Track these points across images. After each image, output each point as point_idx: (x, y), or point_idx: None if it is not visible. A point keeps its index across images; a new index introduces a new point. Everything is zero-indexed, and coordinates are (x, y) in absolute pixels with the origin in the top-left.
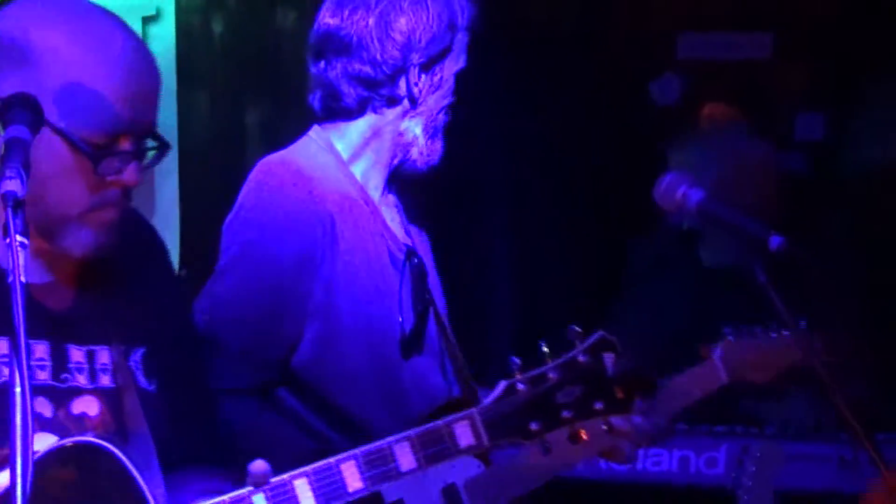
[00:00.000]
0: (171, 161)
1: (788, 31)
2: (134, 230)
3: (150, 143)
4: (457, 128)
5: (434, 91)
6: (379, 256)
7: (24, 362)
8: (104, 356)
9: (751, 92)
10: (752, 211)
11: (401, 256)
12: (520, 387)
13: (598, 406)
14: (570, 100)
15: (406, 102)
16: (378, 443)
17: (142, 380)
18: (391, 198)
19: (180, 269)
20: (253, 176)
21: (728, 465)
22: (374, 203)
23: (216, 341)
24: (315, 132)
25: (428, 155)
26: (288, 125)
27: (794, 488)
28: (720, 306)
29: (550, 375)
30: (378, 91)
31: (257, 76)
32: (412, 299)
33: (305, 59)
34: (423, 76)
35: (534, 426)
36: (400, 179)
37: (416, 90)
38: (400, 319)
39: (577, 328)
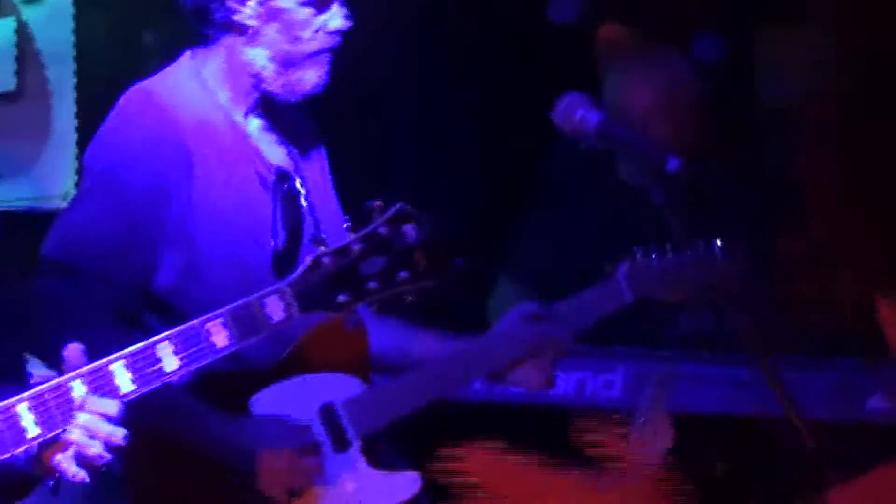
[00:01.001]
0: (68, 82)
1: None
2: None
3: None
4: (348, 55)
5: (271, 20)
6: (246, 181)
7: None
8: None
9: (650, 11)
10: (676, 138)
11: (272, 179)
12: (325, 260)
13: (403, 276)
14: (462, 19)
15: (239, 32)
16: (191, 322)
17: None
18: (265, 124)
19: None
20: (117, 103)
21: (625, 387)
22: (242, 129)
23: (73, 266)
24: (186, 58)
25: (288, 85)
26: (186, 46)
27: (690, 410)
28: (630, 224)
29: (353, 248)
30: (206, 19)
31: None
32: (284, 221)
33: None
34: (251, 4)
35: (342, 298)
36: (280, 105)
37: (239, 19)
38: (273, 241)
39: (375, 202)
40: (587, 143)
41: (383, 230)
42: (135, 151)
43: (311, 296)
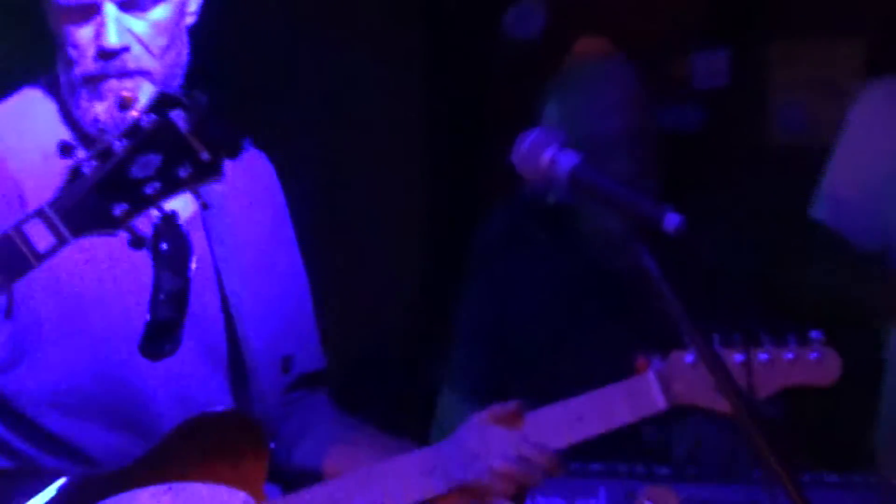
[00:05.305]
0: None
1: None
2: None
3: None
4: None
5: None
6: (116, 242)
7: None
8: None
9: (634, 25)
10: (639, 175)
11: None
12: (85, 169)
13: (184, 173)
14: (413, 33)
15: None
16: None
17: None
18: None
19: None
20: None
21: None
22: None
23: None
24: None
25: (82, 119)
26: (27, 66)
27: None
28: (580, 291)
29: (116, 148)
30: None
31: None
32: (167, 288)
33: None
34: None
35: (118, 210)
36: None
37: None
38: (148, 317)
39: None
40: (556, 192)
41: (147, 121)
42: None
43: (80, 213)
